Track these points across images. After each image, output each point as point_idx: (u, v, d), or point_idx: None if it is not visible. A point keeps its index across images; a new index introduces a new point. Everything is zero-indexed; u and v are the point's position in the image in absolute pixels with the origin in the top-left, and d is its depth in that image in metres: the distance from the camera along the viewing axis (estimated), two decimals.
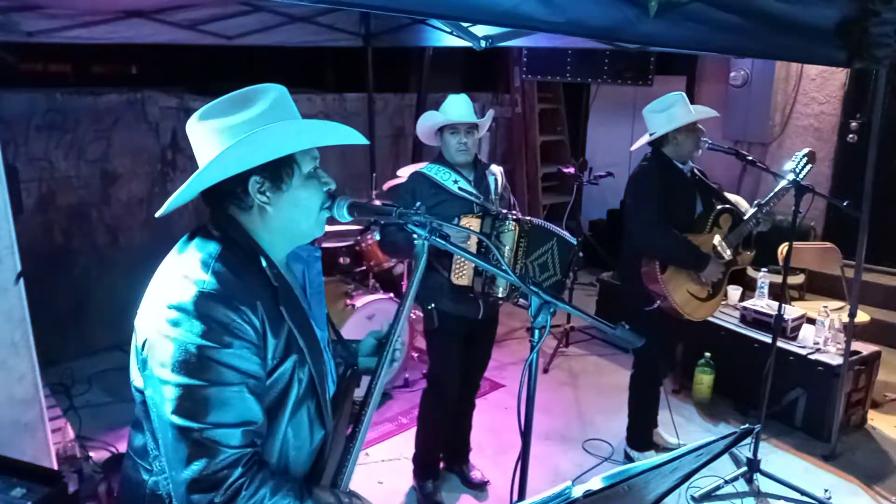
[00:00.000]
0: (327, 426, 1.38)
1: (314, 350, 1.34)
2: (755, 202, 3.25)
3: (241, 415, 1.18)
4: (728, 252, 3.20)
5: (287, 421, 1.29)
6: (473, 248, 2.72)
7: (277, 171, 1.29)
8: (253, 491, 1.17)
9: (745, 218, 3.22)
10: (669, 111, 3.12)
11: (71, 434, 3.17)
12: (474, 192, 2.89)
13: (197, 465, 1.15)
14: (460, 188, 2.87)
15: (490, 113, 3.04)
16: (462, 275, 2.79)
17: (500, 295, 2.78)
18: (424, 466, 3.24)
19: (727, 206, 3.32)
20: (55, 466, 2.62)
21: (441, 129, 2.93)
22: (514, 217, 2.80)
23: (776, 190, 3.18)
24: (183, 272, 1.24)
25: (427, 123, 2.95)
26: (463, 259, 2.76)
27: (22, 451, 2.40)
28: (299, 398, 1.30)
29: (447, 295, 2.85)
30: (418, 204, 1.50)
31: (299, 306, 1.36)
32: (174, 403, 1.16)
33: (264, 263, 1.30)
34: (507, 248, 2.75)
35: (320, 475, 1.38)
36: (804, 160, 3.16)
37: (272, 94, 1.31)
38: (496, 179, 3.02)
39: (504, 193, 3.04)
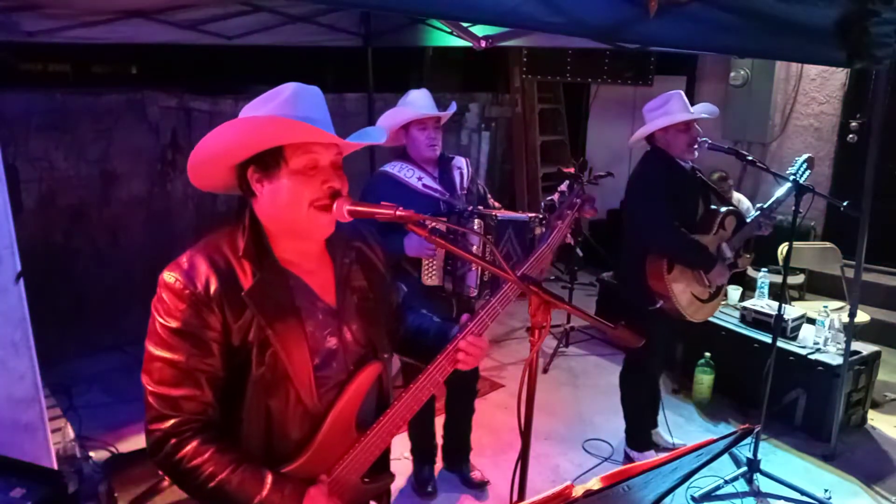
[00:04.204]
0: (308, 408, 1.41)
1: (286, 336, 1.37)
2: (757, 206, 3.23)
3: (180, 384, 1.32)
4: (730, 254, 3.20)
5: (252, 394, 1.37)
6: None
7: (264, 162, 1.37)
8: (180, 445, 1.31)
9: (748, 221, 3.22)
10: (663, 109, 3.11)
11: (71, 434, 3.17)
12: (439, 188, 2.85)
13: (146, 418, 1.34)
14: (424, 185, 2.83)
15: (453, 104, 2.97)
16: (431, 275, 2.75)
17: (471, 294, 2.76)
18: (420, 452, 3.29)
19: (733, 208, 3.32)
20: (55, 466, 2.62)
21: (407, 126, 2.86)
22: (479, 213, 2.75)
23: (778, 195, 3.16)
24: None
25: (395, 120, 2.84)
26: (430, 259, 2.73)
27: (22, 451, 2.39)
28: (267, 378, 1.37)
29: (420, 297, 2.73)
30: None
31: (280, 298, 1.39)
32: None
33: (242, 263, 1.38)
34: (474, 246, 2.68)
35: (315, 456, 1.43)
36: (804, 166, 3.16)
37: (288, 91, 1.38)
38: (462, 173, 2.96)
39: (472, 186, 2.98)
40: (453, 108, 2.95)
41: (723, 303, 3.57)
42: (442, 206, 2.81)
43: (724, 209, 3.27)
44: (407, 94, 2.90)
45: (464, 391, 3.27)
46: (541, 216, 2.82)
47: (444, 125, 2.94)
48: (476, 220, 2.73)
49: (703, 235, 3.16)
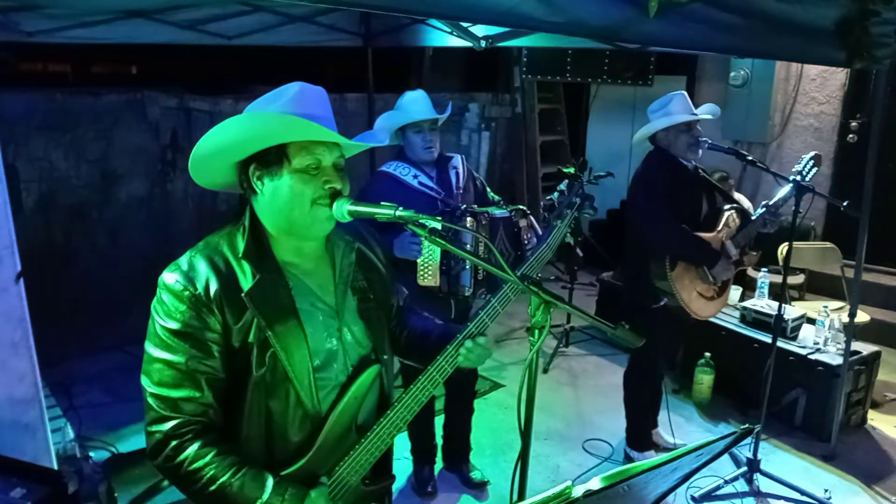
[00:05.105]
0: (307, 409, 1.41)
1: (286, 337, 1.37)
2: (762, 203, 3.23)
3: (179, 385, 1.32)
4: (735, 251, 3.20)
5: (252, 395, 1.37)
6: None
7: (266, 160, 1.37)
8: (181, 447, 1.31)
9: (753, 219, 3.21)
10: (664, 109, 3.14)
11: (71, 434, 3.17)
12: (435, 187, 2.85)
13: (146, 420, 1.35)
14: (420, 183, 2.83)
15: (449, 106, 2.97)
16: (427, 276, 2.74)
17: (466, 293, 2.76)
18: (420, 452, 3.29)
19: (736, 205, 3.32)
20: (55, 466, 2.62)
21: (403, 128, 2.87)
22: (471, 212, 2.75)
23: (782, 193, 3.16)
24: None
25: (389, 124, 2.86)
26: (426, 260, 2.73)
27: (22, 451, 2.39)
28: (268, 379, 1.37)
29: (416, 298, 2.75)
30: None
31: (280, 298, 1.39)
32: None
33: (242, 264, 1.37)
34: (468, 244, 2.68)
35: (316, 457, 1.43)
36: (811, 163, 3.15)
37: (294, 90, 1.38)
38: (458, 172, 2.96)
39: (469, 183, 2.98)
40: (450, 109, 2.95)
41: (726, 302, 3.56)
42: (439, 205, 2.81)
43: (727, 207, 3.27)
44: (403, 96, 2.90)
45: (463, 392, 3.27)
46: (522, 208, 2.83)
47: (444, 125, 2.94)
48: (468, 219, 2.73)
49: (707, 233, 3.17)
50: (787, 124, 5.92)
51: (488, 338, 1.52)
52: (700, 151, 3.17)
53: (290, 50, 4.64)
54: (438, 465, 3.39)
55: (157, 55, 4.98)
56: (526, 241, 2.83)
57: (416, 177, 2.84)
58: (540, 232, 2.89)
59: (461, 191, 2.92)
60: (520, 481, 1.41)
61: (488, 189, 3.09)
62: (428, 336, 1.68)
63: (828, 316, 3.94)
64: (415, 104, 2.84)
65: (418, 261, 2.74)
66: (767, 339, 3.79)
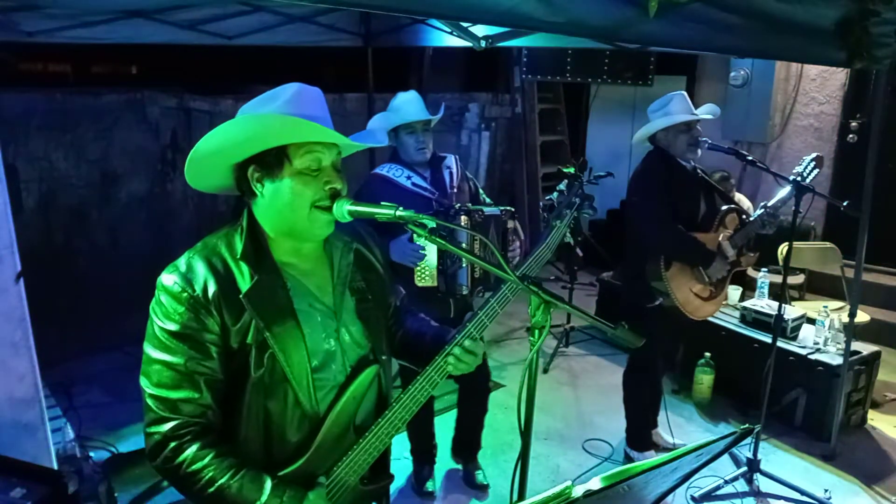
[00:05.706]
0: (306, 410, 1.41)
1: (284, 338, 1.37)
2: (761, 204, 3.23)
3: (178, 386, 1.32)
4: (732, 252, 3.19)
5: (251, 396, 1.37)
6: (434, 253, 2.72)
7: (266, 162, 1.37)
8: (180, 449, 1.32)
9: (752, 219, 3.21)
10: (664, 110, 3.14)
11: (71, 434, 3.17)
12: (429, 188, 2.86)
13: (145, 421, 1.35)
14: (414, 184, 2.84)
15: (442, 106, 2.98)
16: (424, 276, 2.75)
17: (463, 292, 2.77)
18: (419, 452, 3.29)
19: (734, 206, 3.32)
20: (55, 466, 2.62)
21: (396, 130, 2.87)
22: (465, 210, 2.75)
23: (782, 194, 3.15)
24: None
25: (381, 125, 2.85)
26: (423, 261, 2.73)
27: (22, 451, 2.39)
28: (266, 380, 1.37)
29: (414, 299, 2.76)
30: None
31: (278, 299, 1.39)
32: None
33: (240, 265, 1.37)
34: (463, 243, 2.68)
35: (314, 458, 1.43)
36: (811, 165, 3.15)
37: (292, 91, 1.38)
38: (451, 172, 2.96)
39: (463, 184, 2.98)
40: (442, 110, 2.96)
41: (723, 302, 3.57)
42: (434, 205, 2.81)
43: (725, 207, 3.28)
44: (395, 98, 2.90)
45: (476, 389, 3.23)
46: (511, 209, 2.85)
47: (443, 125, 2.94)
48: (462, 217, 2.73)
49: (704, 234, 3.17)
50: (787, 124, 5.92)
51: (479, 341, 1.50)
52: (699, 151, 3.18)
53: (290, 50, 4.64)
54: (438, 465, 3.39)
55: (157, 55, 4.98)
56: (510, 243, 2.85)
57: (409, 178, 2.85)
58: (523, 237, 2.92)
59: (455, 190, 2.93)
60: (520, 481, 1.41)
61: (481, 191, 3.10)
62: (422, 338, 1.68)
63: (828, 316, 3.94)
64: (407, 105, 2.84)
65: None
66: (767, 339, 3.79)
